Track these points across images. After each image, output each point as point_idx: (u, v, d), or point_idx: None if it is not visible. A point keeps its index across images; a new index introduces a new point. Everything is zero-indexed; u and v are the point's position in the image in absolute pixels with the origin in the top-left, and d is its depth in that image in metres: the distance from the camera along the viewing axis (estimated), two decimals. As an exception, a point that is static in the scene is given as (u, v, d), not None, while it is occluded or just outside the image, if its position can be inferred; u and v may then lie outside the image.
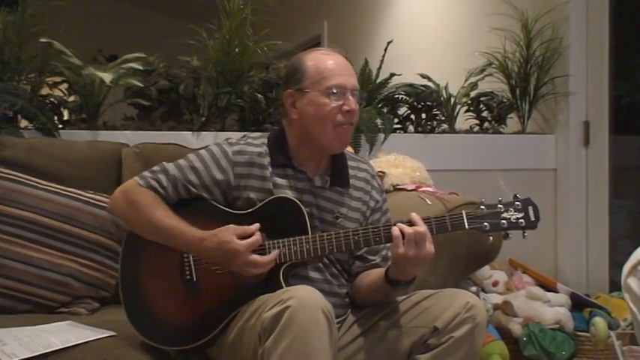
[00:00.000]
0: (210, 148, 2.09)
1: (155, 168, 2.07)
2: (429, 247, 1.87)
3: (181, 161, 2.07)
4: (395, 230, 1.87)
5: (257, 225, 1.92)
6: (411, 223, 1.89)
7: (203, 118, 3.10)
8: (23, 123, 2.86)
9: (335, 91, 2.00)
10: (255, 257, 1.88)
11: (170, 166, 2.06)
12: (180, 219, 1.97)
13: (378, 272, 2.02)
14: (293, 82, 2.05)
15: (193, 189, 2.03)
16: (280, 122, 2.17)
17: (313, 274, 2.04)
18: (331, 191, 2.10)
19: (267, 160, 2.06)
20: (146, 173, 2.07)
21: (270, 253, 1.93)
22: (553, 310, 3.09)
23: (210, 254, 1.92)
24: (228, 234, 1.89)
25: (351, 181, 2.14)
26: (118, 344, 1.97)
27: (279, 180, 2.05)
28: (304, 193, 2.06)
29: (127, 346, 1.97)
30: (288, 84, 2.08)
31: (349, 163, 2.16)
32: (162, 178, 2.04)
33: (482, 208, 1.92)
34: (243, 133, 2.21)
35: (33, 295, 2.37)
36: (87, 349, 1.93)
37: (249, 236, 1.89)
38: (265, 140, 2.11)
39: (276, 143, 2.10)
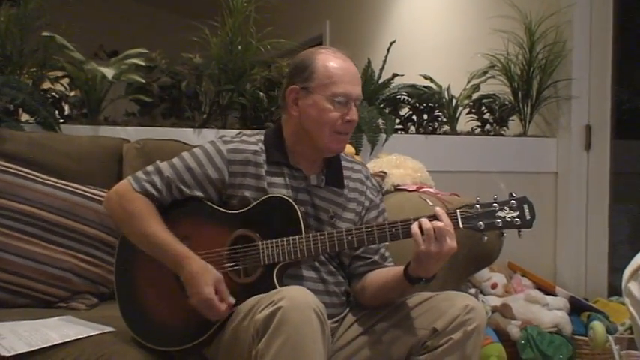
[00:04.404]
0: (205, 147, 2.07)
1: (149, 169, 2.05)
2: (451, 242, 1.84)
3: (175, 161, 2.06)
4: (414, 227, 1.86)
5: (232, 301, 1.90)
6: (432, 218, 1.87)
7: (204, 116, 3.10)
8: (24, 117, 2.85)
9: (340, 99, 1.99)
10: (211, 312, 1.89)
11: (164, 167, 2.04)
12: (171, 234, 1.96)
13: (393, 270, 2.01)
14: (300, 78, 2.03)
15: (187, 190, 2.02)
16: (278, 120, 2.15)
17: (308, 273, 2.03)
18: (327, 191, 2.09)
19: (262, 158, 2.05)
20: (140, 175, 2.04)
21: (263, 253, 1.94)
22: (551, 313, 3.09)
23: (185, 274, 1.91)
24: (211, 278, 1.88)
25: (346, 182, 2.13)
26: (116, 340, 1.98)
27: (274, 178, 2.04)
28: (300, 192, 2.05)
29: (125, 341, 1.98)
30: (294, 79, 2.05)
31: (343, 164, 2.16)
32: (157, 180, 2.02)
33: (477, 207, 1.90)
34: (238, 131, 2.20)
35: (32, 289, 2.37)
36: (85, 344, 1.93)
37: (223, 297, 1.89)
38: (261, 138, 2.10)
39: (273, 140, 2.09)
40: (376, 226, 1.93)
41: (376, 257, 2.11)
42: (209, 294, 1.87)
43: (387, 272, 2.03)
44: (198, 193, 2.03)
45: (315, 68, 2.01)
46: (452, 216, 1.89)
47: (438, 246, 1.84)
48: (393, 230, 1.91)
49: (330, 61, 2.03)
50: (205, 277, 1.89)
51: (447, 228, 1.84)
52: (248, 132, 2.15)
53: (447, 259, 1.88)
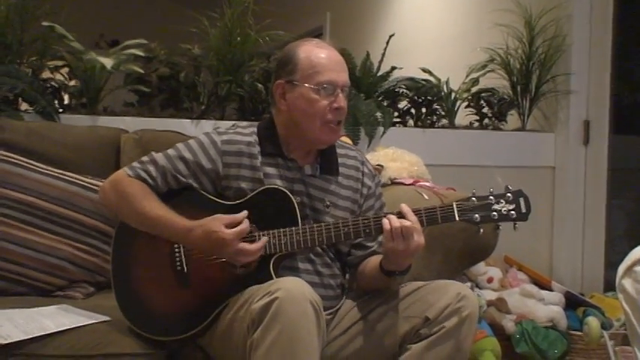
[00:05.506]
0: (199, 138, 2.08)
1: (144, 158, 2.07)
2: (418, 239, 1.87)
3: (170, 151, 2.07)
4: (386, 224, 1.87)
5: (245, 212, 1.91)
6: (400, 215, 1.89)
7: (203, 107, 3.10)
8: (24, 106, 2.86)
9: (326, 86, 2.00)
10: (244, 245, 1.88)
11: (159, 157, 2.05)
12: (169, 209, 1.97)
13: (376, 261, 2.02)
14: (284, 73, 2.04)
15: (183, 179, 2.03)
16: (271, 112, 2.16)
17: (304, 265, 2.03)
18: (321, 179, 2.10)
19: (256, 150, 2.05)
20: (135, 164, 2.06)
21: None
22: (547, 308, 3.10)
23: (199, 244, 1.92)
24: (216, 224, 1.88)
25: (340, 169, 2.13)
26: (112, 329, 1.99)
27: (269, 169, 2.05)
28: (295, 182, 2.06)
29: (121, 331, 1.99)
30: (279, 74, 2.07)
31: (338, 151, 2.16)
32: (152, 168, 2.03)
33: (473, 200, 1.92)
34: (233, 122, 2.21)
35: (29, 277, 2.37)
36: (81, 333, 1.94)
37: (237, 224, 1.88)
38: (255, 129, 2.11)
39: (266, 132, 2.09)
40: (362, 219, 1.95)
41: (375, 246, 2.12)
42: (230, 234, 1.86)
43: (373, 262, 2.05)
44: (194, 184, 2.04)
45: (298, 60, 2.02)
46: (448, 208, 1.91)
47: (406, 244, 1.86)
48: (370, 226, 1.93)
49: (313, 51, 2.04)
50: (210, 229, 1.87)
51: (414, 226, 1.87)
52: (242, 123, 2.16)
53: (415, 254, 1.91)
